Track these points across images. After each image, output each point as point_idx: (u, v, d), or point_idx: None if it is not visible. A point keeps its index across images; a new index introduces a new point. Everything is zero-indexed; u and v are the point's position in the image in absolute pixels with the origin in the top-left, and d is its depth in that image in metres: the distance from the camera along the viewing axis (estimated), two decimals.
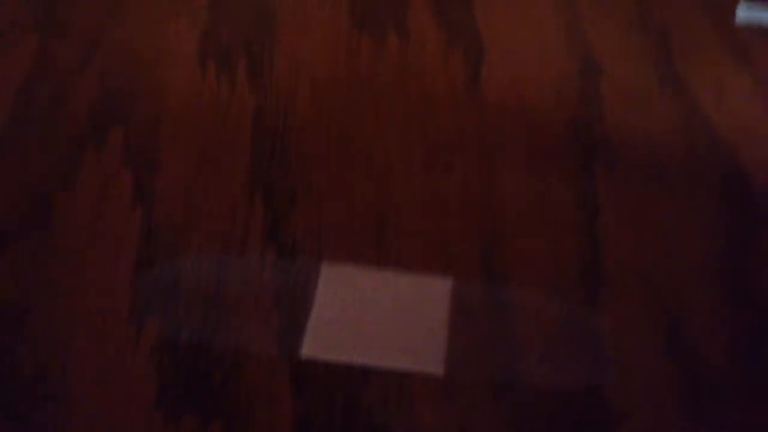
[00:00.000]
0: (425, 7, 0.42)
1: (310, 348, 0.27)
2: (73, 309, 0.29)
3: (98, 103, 0.37)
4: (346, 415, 0.26)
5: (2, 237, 0.31)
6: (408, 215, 0.32)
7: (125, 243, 0.31)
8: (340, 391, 0.26)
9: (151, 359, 0.27)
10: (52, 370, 0.27)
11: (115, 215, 0.32)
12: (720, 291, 0.29)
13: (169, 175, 0.33)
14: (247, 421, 0.26)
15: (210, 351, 0.27)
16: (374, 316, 0.28)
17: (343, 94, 0.37)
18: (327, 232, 0.31)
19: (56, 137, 0.35)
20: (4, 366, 0.27)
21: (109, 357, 0.28)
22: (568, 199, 0.32)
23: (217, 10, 0.42)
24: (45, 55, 0.38)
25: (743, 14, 0.42)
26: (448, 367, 0.26)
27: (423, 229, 0.31)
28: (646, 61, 0.38)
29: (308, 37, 0.40)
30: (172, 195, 0.33)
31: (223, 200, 0.32)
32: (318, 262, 0.30)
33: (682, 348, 0.27)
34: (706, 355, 0.27)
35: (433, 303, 0.28)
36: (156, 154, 0.34)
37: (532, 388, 0.26)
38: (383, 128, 0.36)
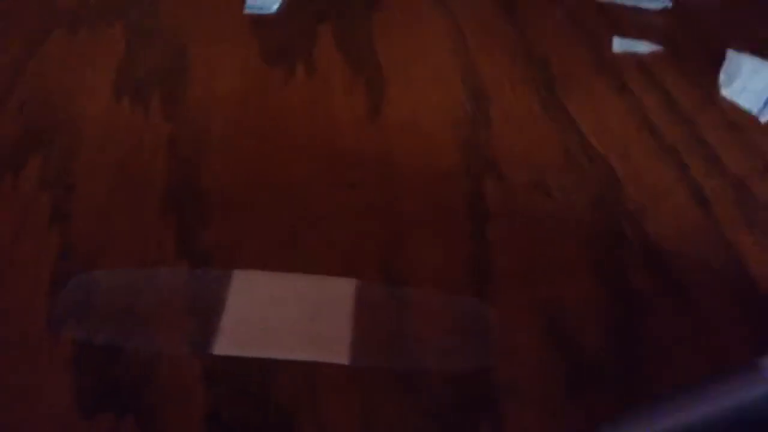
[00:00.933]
0: (331, 44, 0.46)
1: (221, 347, 0.29)
2: None
3: (18, 133, 0.38)
4: (255, 407, 0.27)
5: None
6: (315, 227, 0.34)
7: (42, 262, 0.32)
8: (250, 385, 0.28)
9: (67, 368, 0.28)
10: None
11: (32, 237, 0.33)
12: (593, 282, 0.32)
13: (85, 198, 0.35)
14: (159, 415, 0.27)
15: (123, 356, 0.29)
16: (283, 314, 0.30)
17: (254, 122, 0.40)
18: (238, 246, 0.33)
19: None
20: None
21: (26, 368, 0.28)
22: (461, 210, 0.35)
23: (131, 46, 0.44)
24: None
25: (618, 46, 0.47)
26: (352, 357, 0.28)
27: (329, 239, 0.34)
28: (531, 88, 0.43)
29: (220, 69, 0.43)
30: (87, 217, 0.34)
31: (137, 222, 0.34)
32: (229, 271, 0.32)
33: (562, 333, 0.30)
34: (583, 338, 0.30)
35: (338, 301, 0.30)
36: (73, 179, 0.36)
37: (428, 373, 0.28)
38: (292, 153, 0.38)
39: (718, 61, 0.44)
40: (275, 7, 0.49)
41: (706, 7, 0.51)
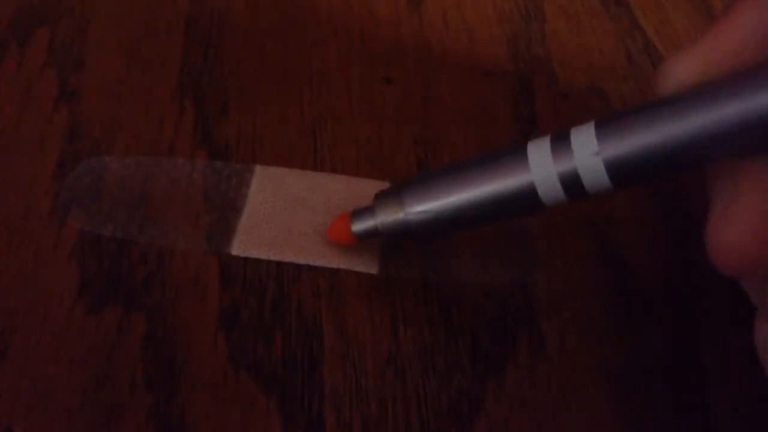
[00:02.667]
0: None
1: (240, 246, 0.27)
2: None
3: (24, 3, 0.35)
4: (275, 308, 0.25)
5: None
6: (344, 123, 0.31)
7: (48, 142, 0.30)
8: (270, 286, 0.26)
9: (73, 256, 0.26)
10: None
11: (38, 115, 0.30)
12: (647, 199, 0.29)
13: (95, 76, 0.32)
14: (171, 313, 0.25)
15: (134, 248, 0.27)
16: (308, 216, 0.27)
17: (281, 5, 0.36)
18: (260, 138, 0.30)
19: None
20: None
21: (29, 254, 0.26)
22: (506, 111, 0.32)
23: None
24: None
25: None
26: (382, 266, 0.26)
27: (359, 137, 0.31)
28: None
29: None
30: (97, 96, 0.31)
31: (151, 105, 0.31)
32: (251, 165, 0.29)
33: (610, 251, 0.27)
34: (633, 259, 0.27)
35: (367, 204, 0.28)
36: (83, 55, 0.33)
37: (462, 284, 0.26)
38: (323, 42, 0.35)
39: None
40: None
41: None
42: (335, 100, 0.32)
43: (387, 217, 0.23)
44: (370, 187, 0.28)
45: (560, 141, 0.20)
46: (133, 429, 0.23)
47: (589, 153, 0.19)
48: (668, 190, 0.29)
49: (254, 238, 0.27)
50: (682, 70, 0.18)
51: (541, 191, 0.20)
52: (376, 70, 0.33)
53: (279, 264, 0.26)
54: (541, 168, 0.20)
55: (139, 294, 0.25)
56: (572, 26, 0.36)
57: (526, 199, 0.20)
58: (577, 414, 0.24)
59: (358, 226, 0.24)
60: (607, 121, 0.19)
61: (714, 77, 0.18)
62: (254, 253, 0.26)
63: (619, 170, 0.19)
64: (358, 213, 0.24)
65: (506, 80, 0.34)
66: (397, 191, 0.23)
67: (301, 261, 0.26)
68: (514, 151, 0.21)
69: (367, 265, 0.26)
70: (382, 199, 0.23)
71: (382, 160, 0.30)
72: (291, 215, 0.27)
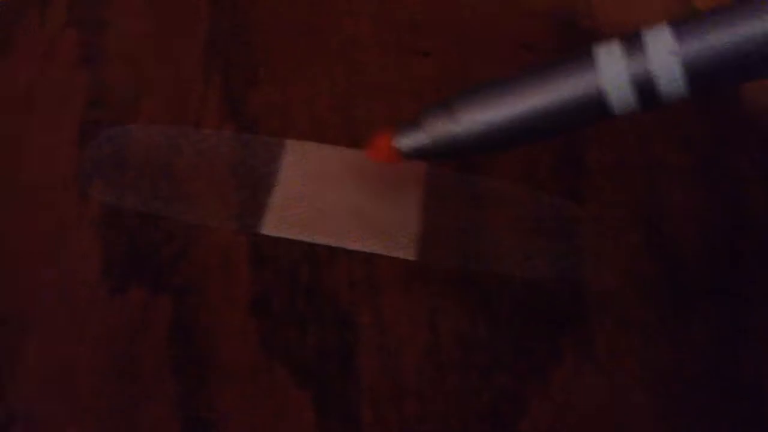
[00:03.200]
0: None
1: (271, 226, 0.25)
2: (10, 179, 0.26)
3: None
4: (308, 296, 0.24)
5: None
6: (379, 97, 0.30)
7: (69, 108, 0.28)
8: (304, 271, 0.25)
9: (97, 231, 0.25)
10: None
11: (58, 78, 0.29)
12: (702, 188, 0.28)
13: (118, 37, 0.30)
14: (198, 297, 0.24)
15: (160, 224, 0.25)
16: (342, 196, 0.26)
17: None
18: (291, 111, 0.29)
19: None
20: None
21: (51, 228, 0.25)
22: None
23: None
24: None
25: None
26: (420, 252, 0.25)
27: (395, 112, 0.29)
28: None
29: None
30: (121, 61, 0.30)
31: (177, 72, 0.29)
32: (282, 139, 0.27)
33: (662, 243, 0.26)
34: (687, 252, 0.26)
35: (404, 186, 0.26)
36: (105, 15, 0.31)
37: (504, 275, 0.25)
38: (355, 13, 0.33)
39: None
40: None
41: None
42: (368, 73, 0.30)
43: (435, 129, 0.21)
44: (410, 170, 0.26)
45: (632, 42, 0.18)
46: (156, 418, 0.22)
47: (665, 51, 0.18)
48: (724, 184, 0.28)
49: (286, 218, 0.25)
50: None
51: (611, 96, 0.18)
52: (412, 41, 0.32)
53: (312, 246, 0.25)
54: (612, 71, 0.18)
55: (165, 275, 0.24)
56: (620, 1, 0.34)
57: (594, 106, 0.19)
58: (623, 422, 0.23)
59: (404, 141, 0.21)
60: (683, 21, 0.18)
61: None
62: (286, 234, 0.25)
63: (696, 70, 0.18)
64: (403, 127, 0.22)
65: (548, 56, 0.32)
66: (448, 102, 0.21)
67: (335, 244, 0.25)
68: (579, 56, 0.19)
69: (404, 251, 0.25)
70: (430, 110, 0.21)
71: None
72: (324, 194, 0.26)
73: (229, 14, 0.31)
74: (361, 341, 0.23)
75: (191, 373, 0.22)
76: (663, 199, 0.27)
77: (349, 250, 0.25)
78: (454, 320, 0.24)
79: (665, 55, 0.18)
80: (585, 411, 0.22)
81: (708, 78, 0.18)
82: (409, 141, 0.21)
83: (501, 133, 0.20)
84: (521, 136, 0.20)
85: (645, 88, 0.18)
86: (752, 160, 0.28)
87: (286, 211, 0.25)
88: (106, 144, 0.27)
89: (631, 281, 0.25)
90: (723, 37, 0.17)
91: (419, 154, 0.21)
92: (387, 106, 0.29)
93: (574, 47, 0.32)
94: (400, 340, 0.23)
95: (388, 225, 0.25)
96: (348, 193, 0.26)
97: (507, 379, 0.23)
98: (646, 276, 0.25)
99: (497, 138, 0.20)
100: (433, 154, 0.21)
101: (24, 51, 0.29)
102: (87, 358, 0.23)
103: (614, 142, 0.29)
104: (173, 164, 0.27)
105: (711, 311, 0.25)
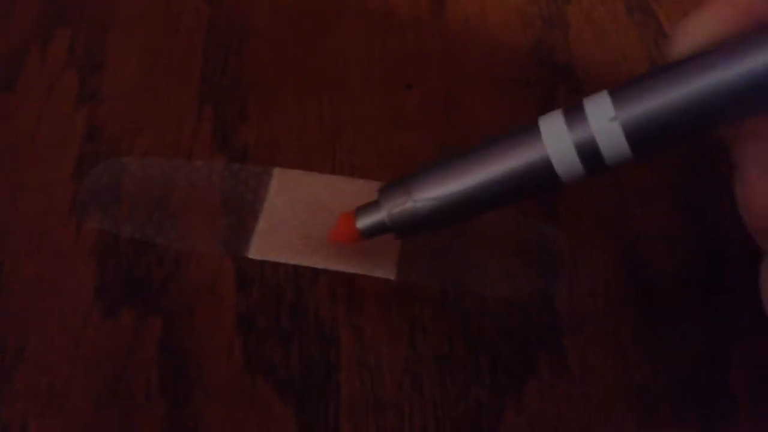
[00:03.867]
0: None
1: (257, 250, 0.26)
2: (11, 209, 0.27)
3: (46, 4, 0.35)
4: (292, 315, 0.25)
5: None
6: (364, 128, 0.31)
7: (68, 143, 0.29)
8: (288, 290, 0.25)
9: (91, 258, 0.26)
10: None
11: (58, 115, 0.30)
12: (675, 211, 0.29)
13: (115, 78, 0.32)
14: (187, 317, 0.25)
15: (152, 250, 0.26)
16: (326, 220, 0.27)
17: (302, 11, 0.36)
18: (279, 143, 0.30)
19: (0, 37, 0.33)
20: None
21: (47, 256, 0.26)
22: (528, 120, 0.32)
23: None
24: None
25: None
26: (400, 272, 0.26)
27: (379, 142, 0.30)
28: None
29: None
30: (118, 98, 0.31)
31: (171, 108, 0.31)
32: (269, 168, 0.29)
33: (636, 265, 0.27)
34: (659, 273, 0.27)
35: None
36: (103, 57, 0.33)
37: (483, 295, 0.26)
38: (343, 45, 0.34)
39: None
40: None
41: None
42: (355, 106, 0.32)
43: (394, 208, 0.21)
44: None
45: (573, 111, 0.19)
46: None
47: (605, 118, 0.18)
48: (697, 205, 0.29)
49: (271, 242, 0.26)
50: (694, 31, 0.18)
51: (557, 165, 0.19)
52: (397, 76, 0.33)
53: (296, 268, 0.26)
54: (556, 140, 0.19)
55: (155, 297, 0.25)
56: (596, 32, 0.36)
57: (542, 175, 0.19)
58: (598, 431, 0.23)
59: (364, 222, 0.22)
60: (621, 87, 0.19)
61: (727, 36, 0.18)
62: (271, 257, 0.26)
63: (637, 134, 0.18)
64: (363, 209, 0.23)
65: (529, 87, 0.33)
66: (403, 181, 0.22)
67: (319, 265, 0.26)
68: (525, 128, 0.20)
69: (385, 271, 0.26)
70: (387, 190, 0.22)
71: (402, 167, 0.29)
72: (309, 219, 0.27)
73: (223, 52, 0.33)
74: (343, 357, 0.24)
75: (179, 391, 0.23)
76: (636, 220, 0.28)
77: (331, 271, 0.26)
78: (433, 337, 0.25)
79: (605, 123, 0.18)
80: (558, 422, 0.23)
81: (650, 141, 0.18)
82: (369, 221, 0.22)
83: (457, 207, 0.21)
84: (477, 209, 0.21)
85: (589, 156, 0.19)
86: (725, 180, 0.29)
87: (271, 235, 0.27)
88: (103, 175, 0.28)
89: (606, 298, 0.26)
90: (659, 101, 0.17)
91: (380, 232, 0.22)
92: (372, 137, 0.31)
93: (552, 80, 0.33)
94: (380, 356, 0.24)
95: (370, 247, 0.26)
96: (332, 216, 0.27)
97: (484, 392, 0.23)
98: (620, 293, 0.26)
99: (453, 212, 0.21)
100: (394, 231, 0.22)
101: (26, 89, 0.31)
102: (80, 379, 0.24)
103: None
104: (166, 194, 0.28)
105: (683, 327, 0.25)
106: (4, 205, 0.27)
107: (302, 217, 0.27)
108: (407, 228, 0.22)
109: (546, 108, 0.32)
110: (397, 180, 0.22)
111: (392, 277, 0.26)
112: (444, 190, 0.21)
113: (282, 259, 0.26)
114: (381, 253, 0.26)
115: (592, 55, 0.35)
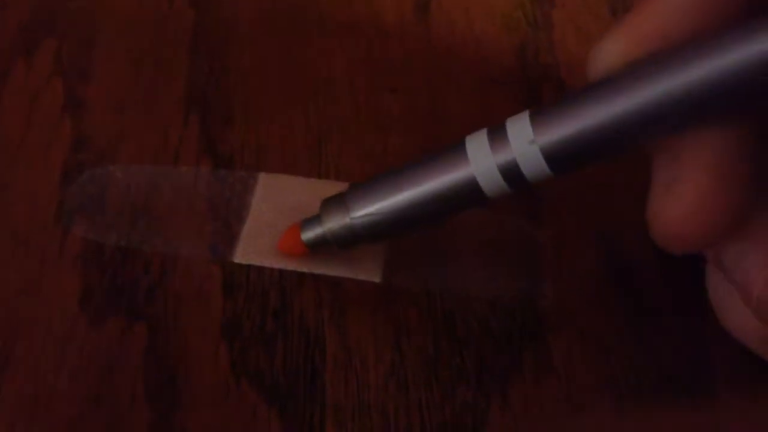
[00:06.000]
0: None
1: (243, 254, 0.26)
2: None
3: (32, 14, 0.35)
4: (277, 318, 0.25)
5: None
6: (349, 133, 0.31)
7: (53, 152, 0.30)
8: (273, 295, 0.26)
9: (76, 266, 0.26)
10: None
11: (44, 124, 0.30)
12: None
13: (101, 86, 0.32)
14: (173, 324, 0.25)
15: (138, 257, 0.26)
16: None
17: (287, 17, 0.36)
18: (265, 148, 0.30)
19: None
20: None
21: (33, 264, 0.26)
22: None
23: None
24: None
25: None
26: (385, 275, 0.26)
27: (364, 146, 0.31)
28: None
29: None
30: (103, 105, 0.31)
31: (156, 116, 0.31)
32: (255, 173, 0.29)
33: (620, 264, 0.27)
34: (644, 273, 0.27)
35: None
36: (89, 66, 0.33)
37: (467, 296, 0.26)
38: (328, 50, 0.35)
39: None
40: None
41: None
42: (341, 110, 0.32)
43: (334, 223, 0.23)
44: None
45: (497, 132, 0.20)
46: None
47: (525, 141, 0.19)
48: None
49: (257, 246, 0.26)
50: (609, 52, 0.18)
51: (483, 184, 0.20)
52: (382, 80, 0.33)
53: (281, 272, 0.26)
54: (480, 160, 0.20)
55: (141, 304, 0.25)
56: (581, 34, 0.36)
57: (470, 193, 0.20)
58: (583, 428, 0.23)
59: (308, 235, 0.24)
60: (542, 108, 0.19)
61: (640, 57, 0.18)
62: (257, 261, 0.26)
63: (556, 156, 0.19)
64: (307, 222, 0.24)
65: (514, 88, 0.33)
66: (342, 197, 0.23)
67: (303, 269, 0.26)
68: (453, 147, 0.21)
69: (369, 274, 0.26)
70: (328, 206, 0.23)
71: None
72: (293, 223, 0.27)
73: (208, 59, 0.33)
74: (328, 360, 0.24)
75: (164, 397, 0.23)
76: (618, 218, 0.28)
77: (316, 275, 0.26)
78: (418, 339, 0.25)
79: (525, 144, 0.19)
80: (543, 419, 0.23)
81: (567, 161, 0.19)
82: (312, 234, 0.24)
83: (392, 223, 0.22)
84: (412, 224, 0.22)
85: (512, 175, 0.19)
86: None
87: (257, 240, 0.27)
88: (89, 183, 0.28)
89: (589, 297, 0.26)
90: (575, 123, 0.18)
91: (321, 244, 0.24)
92: (358, 141, 0.31)
93: (536, 81, 0.34)
94: (365, 358, 0.24)
95: (355, 251, 0.26)
96: None
97: (469, 393, 0.24)
98: (603, 292, 0.26)
99: (389, 227, 0.22)
100: (334, 244, 0.23)
101: (12, 98, 0.31)
102: (66, 387, 0.24)
103: None
104: (152, 201, 0.28)
105: (666, 324, 0.25)
106: None
107: (288, 222, 0.27)
108: (345, 242, 0.23)
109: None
110: (338, 195, 0.23)
111: (377, 280, 0.26)
112: (379, 207, 0.22)
113: (267, 264, 0.26)
114: (366, 257, 0.26)
115: (577, 56, 0.35)
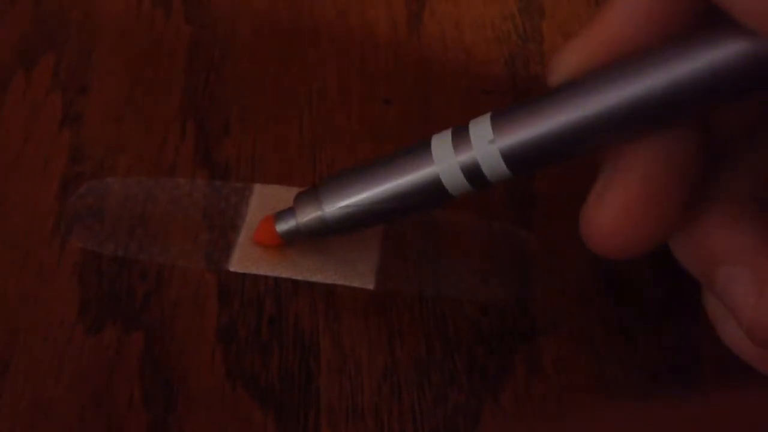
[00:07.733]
0: None
1: (238, 263, 0.27)
2: None
3: (31, 30, 0.35)
4: (272, 324, 0.25)
5: None
6: (343, 143, 0.32)
7: (52, 164, 0.30)
8: (268, 302, 0.26)
9: (75, 275, 0.27)
10: None
11: (42, 137, 0.31)
12: None
13: (99, 98, 0.33)
14: (169, 331, 0.25)
15: (134, 266, 0.27)
16: None
17: (282, 30, 0.37)
18: (261, 158, 0.31)
19: None
20: None
21: (31, 273, 0.27)
22: None
23: None
24: None
25: None
26: (379, 282, 0.26)
27: (358, 156, 0.31)
28: (589, 1, 0.39)
29: None
30: (101, 118, 0.32)
31: (153, 127, 0.32)
32: (250, 184, 0.29)
33: (609, 268, 0.27)
34: (633, 276, 0.27)
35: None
36: (87, 80, 0.33)
37: (459, 301, 0.26)
38: (323, 64, 0.35)
39: None
40: None
41: None
42: (335, 121, 0.32)
43: (306, 215, 0.23)
44: None
45: (461, 133, 0.21)
46: None
47: (485, 142, 0.20)
48: None
49: (252, 255, 0.27)
50: (568, 60, 0.19)
51: (446, 182, 0.21)
52: (375, 91, 0.34)
53: (276, 280, 0.26)
54: (443, 159, 0.20)
55: (138, 312, 0.26)
56: None
57: (434, 190, 0.21)
58: (574, 430, 0.24)
59: (282, 227, 0.25)
60: (503, 111, 0.20)
61: (596, 66, 0.18)
62: (252, 270, 0.27)
63: (513, 156, 0.19)
64: (282, 214, 0.25)
65: (505, 98, 0.34)
66: (315, 190, 0.23)
67: (298, 277, 0.26)
68: (420, 146, 0.22)
69: (363, 281, 0.26)
70: (301, 198, 0.24)
71: None
72: None
73: (204, 71, 0.34)
74: (322, 365, 0.24)
75: (161, 402, 0.24)
76: None
77: (311, 282, 0.26)
78: (411, 343, 0.25)
79: (485, 144, 0.20)
80: (535, 422, 0.23)
81: (524, 162, 0.19)
82: (286, 226, 0.25)
83: (362, 216, 0.22)
84: (381, 217, 0.22)
85: (473, 174, 0.20)
86: None
87: (252, 249, 0.27)
88: (87, 195, 0.29)
89: (579, 299, 0.26)
90: (532, 126, 0.19)
91: (295, 235, 0.24)
92: (352, 151, 0.31)
93: (526, 91, 0.34)
94: (358, 363, 0.25)
95: (349, 258, 0.27)
96: None
97: (462, 396, 0.24)
98: (592, 293, 0.26)
99: (358, 219, 0.23)
100: (307, 235, 0.24)
101: (11, 111, 0.31)
102: (65, 394, 0.24)
103: (560, 173, 0.30)
104: (149, 211, 0.28)
105: (654, 324, 0.26)
106: None
107: None
108: (317, 233, 0.24)
109: None
110: (311, 188, 0.24)
111: (371, 286, 0.26)
112: (349, 201, 0.23)
113: (263, 272, 0.27)
114: (359, 264, 0.27)
115: None
